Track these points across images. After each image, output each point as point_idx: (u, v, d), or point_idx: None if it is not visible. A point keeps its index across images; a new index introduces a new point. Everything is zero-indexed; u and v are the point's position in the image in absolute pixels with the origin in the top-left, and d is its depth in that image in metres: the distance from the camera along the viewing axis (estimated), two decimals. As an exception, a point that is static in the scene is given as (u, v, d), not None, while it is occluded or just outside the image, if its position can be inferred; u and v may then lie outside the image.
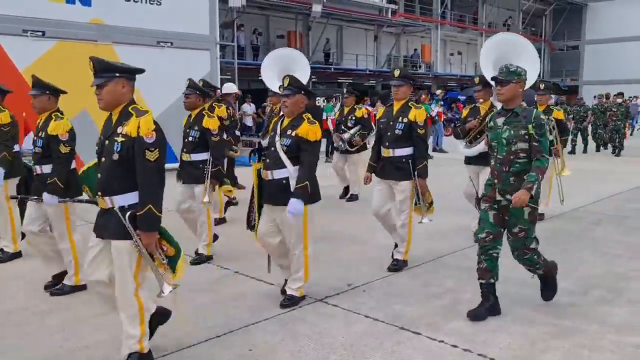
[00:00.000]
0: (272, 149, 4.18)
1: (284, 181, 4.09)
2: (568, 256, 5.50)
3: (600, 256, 5.52)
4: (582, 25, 42.71)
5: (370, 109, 16.69)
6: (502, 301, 4.11)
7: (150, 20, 11.45)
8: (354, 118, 8.66)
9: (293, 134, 4.07)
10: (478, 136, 5.85)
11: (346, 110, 8.93)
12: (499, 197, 3.94)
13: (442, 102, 18.67)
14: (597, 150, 16.10)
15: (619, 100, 15.68)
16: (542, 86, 7.09)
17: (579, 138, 16.10)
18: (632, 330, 3.77)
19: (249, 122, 17.15)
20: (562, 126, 6.98)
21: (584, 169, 12.21)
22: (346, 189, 8.91)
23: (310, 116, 4.18)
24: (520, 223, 3.87)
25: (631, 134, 15.88)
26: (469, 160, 6.08)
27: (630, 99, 19.18)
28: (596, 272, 5.04)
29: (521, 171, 3.82)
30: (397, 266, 5.10)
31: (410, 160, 4.91)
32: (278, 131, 4.18)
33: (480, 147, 5.69)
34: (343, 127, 8.67)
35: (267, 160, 4.22)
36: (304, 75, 7.47)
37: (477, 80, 6.03)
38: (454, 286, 4.67)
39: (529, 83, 5.47)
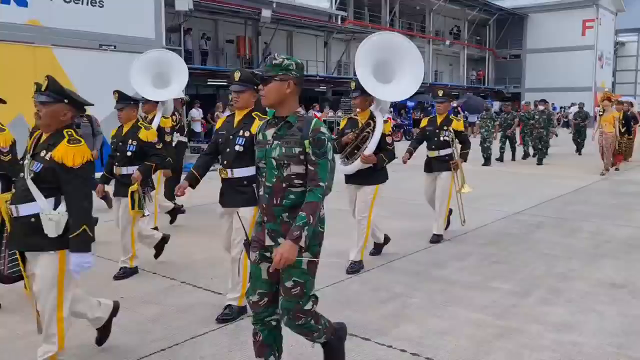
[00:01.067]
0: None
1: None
2: (511, 258, 5.68)
3: (541, 258, 5.70)
4: (523, 35, 44.43)
5: (318, 114, 16.73)
6: (450, 303, 4.18)
7: (92, 22, 11.13)
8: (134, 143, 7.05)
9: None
10: (355, 151, 5.22)
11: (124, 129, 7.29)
12: (269, 242, 2.86)
13: (391, 109, 18.95)
14: (524, 157, 15.73)
15: (541, 108, 15.37)
16: (440, 93, 6.57)
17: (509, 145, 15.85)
18: (571, 328, 3.91)
19: (197, 127, 16.90)
20: (462, 138, 6.37)
21: (524, 173, 12.68)
22: None
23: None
24: (295, 275, 2.81)
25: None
26: (348, 179, 5.40)
27: (572, 105, 19.51)
28: (537, 273, 5.20)
29: (297, 205, 2.76)
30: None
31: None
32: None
33: (357, 164, 5.15)
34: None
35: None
36: (180, 81, 7.23)
37: (352, 85, 5.32)
38: (403, 291, 4.72)
39: (413, 89, 5.37)
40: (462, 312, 4.22)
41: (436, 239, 6.36)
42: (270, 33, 24.99)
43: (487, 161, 14.29)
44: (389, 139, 5.27)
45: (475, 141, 14.01)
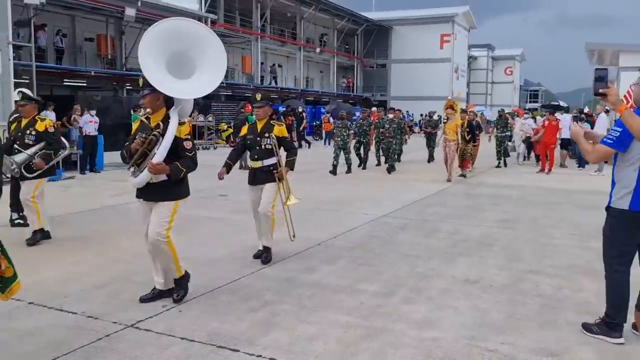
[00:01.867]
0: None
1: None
2: (377, 260, 5.89)
3: (404, 258, 5.99)
4: (388, 45, 46.95)
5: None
6: (319, 308, 4.21)
7: None
8: (33, 133, 6.55)
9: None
10: (143, 159, 4.40)
11: (24, 123, 6.61)
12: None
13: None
14: (377, 164, 15.77)
15: (390, 116, 15.20)
16: (258, 97, 5.83)
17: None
18: (431, 325, 4.13)
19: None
20: (286, 145, 5.84)
21: (390, 178, 13.33)
22: None
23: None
24: None
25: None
26: (138, 193, 4.55)
27: (430, 114, 20.43)
28: (401, 273, 5.44)
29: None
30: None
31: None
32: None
33: (145, 175, 4.33)
34: (17, 146, 6.52)
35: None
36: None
37: (140, 81, 4.45)
38: (273, 298, 4.69)
39: (212, 87, 4.50)
40: (331, 315, 4.28)
41: (265, 256, 5.76)
42: (135, 33, 23.85)
43: (334, 169, 13.74)
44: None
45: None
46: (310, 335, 3.93)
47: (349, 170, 14.17)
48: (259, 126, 5.81)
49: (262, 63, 35.71)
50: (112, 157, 16.73)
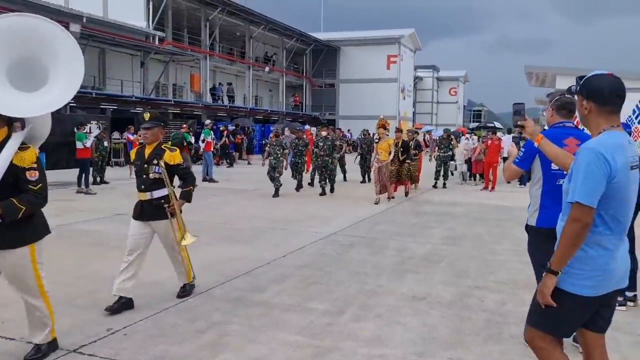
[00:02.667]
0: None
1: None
2: (327, 278, 5.92)
3: (354, 276, 6.04)
4: (336, 65, 47.66)
5: (132, 137, 15.67)
6: (269, 328, 4.18)
7: None
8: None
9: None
10: None
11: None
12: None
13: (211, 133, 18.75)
14: (311, 184, 15.14)
15: (323, 134, 14.01)
16: (147, 116, 4.98)
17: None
18: (380, 341, 4.17)
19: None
20: (180, 173, 5.04)
21: (337, 196, 13.44)
22: None
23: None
24: None
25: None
26: None
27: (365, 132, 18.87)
28: (351, 291, 5.48)
29: None
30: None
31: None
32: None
33: None
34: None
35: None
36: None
37: None
38: (221, 318, 4.63)
39: (68, 97, 3.65)
40: (280, 335, 4.26)
41: (184, 291, 5.24)
42: (80, 50, 23.28)
43: (276, 192, 13.04)
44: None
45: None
46: (259, 355, 3.89)
47: (276, 194, 12.95)
48: (147, 151, 4.95)
49: (220, 84, 35.63)
50: (54, 175, 16.22)
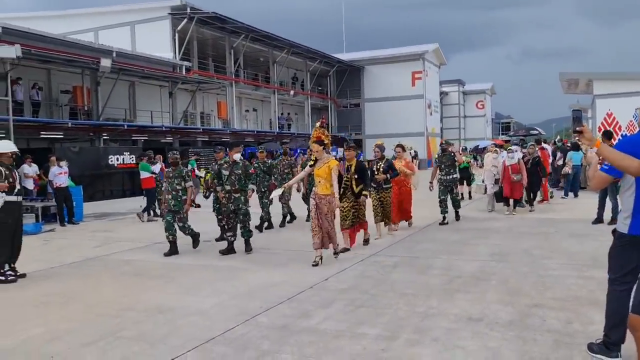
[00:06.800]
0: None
1: None
2: (374, 301, 5.71)
3: (401, 297, 5.81)
4: (361, 85, 47.75)
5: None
6: (321, 356, 3.99)
7: None
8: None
9: None
10: None
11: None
12: None
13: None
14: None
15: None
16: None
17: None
18: (440, 368, 3.95)
19: (29, 184, 15.19)
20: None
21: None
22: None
23: None
24: None
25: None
26: None
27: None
28: (400, 314, 5.26)
29: None
30: None
31: None
32: None
33: None
34: None
35: None
36: None
37: None
38: (271, 347, 4.46)
39: None
40: (335, 364, 4.07)
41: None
42: (111, 83, 23.81)
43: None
44: None
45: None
46: (316, 386, 3.71)
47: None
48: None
49: (282, 114, 37.31)
50: (93, 207, 16.43)
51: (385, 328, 4.84)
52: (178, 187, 8.97)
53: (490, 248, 8.46)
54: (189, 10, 28.80)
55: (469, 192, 16.83)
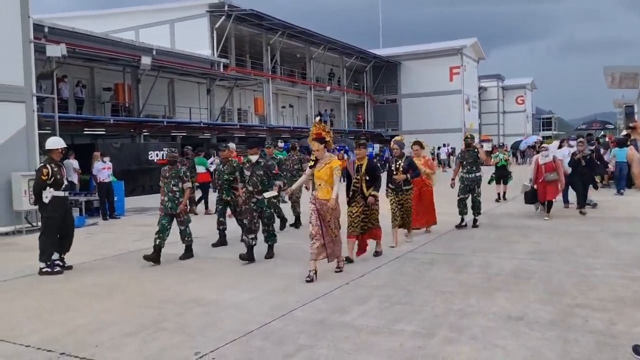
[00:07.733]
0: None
1: None
2: (410, 298, 5.67)
3: (438, 295, 5.75)
4: (397, 80, 47.34)
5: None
6: (358, 351, 3.99)
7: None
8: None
9: None
10: None
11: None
12: None
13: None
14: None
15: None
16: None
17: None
18: (479, 367, 3.90)
19: (74, 179, 15.64)
20: None
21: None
22: None
23: None
24: None
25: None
26: None
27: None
28: (437, 311, 5.22)
29: None
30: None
31: None
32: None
33: None
34: None
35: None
36: None
37: None
38: (307, 341, 4.48)
39: None
40: (371, 359, 4.07)
41: None
42: (151, 80, 24.29)
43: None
44: None
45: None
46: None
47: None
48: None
49: (325, 110, 36.85)
50: (133, 202, 16.81)
51: (422, 325, 4.81)
52: (175, 189, 8.20)
53: (531, 246, 8.29)
54: (226, 7, 29.10)
55: (504, 193, 15.31)
